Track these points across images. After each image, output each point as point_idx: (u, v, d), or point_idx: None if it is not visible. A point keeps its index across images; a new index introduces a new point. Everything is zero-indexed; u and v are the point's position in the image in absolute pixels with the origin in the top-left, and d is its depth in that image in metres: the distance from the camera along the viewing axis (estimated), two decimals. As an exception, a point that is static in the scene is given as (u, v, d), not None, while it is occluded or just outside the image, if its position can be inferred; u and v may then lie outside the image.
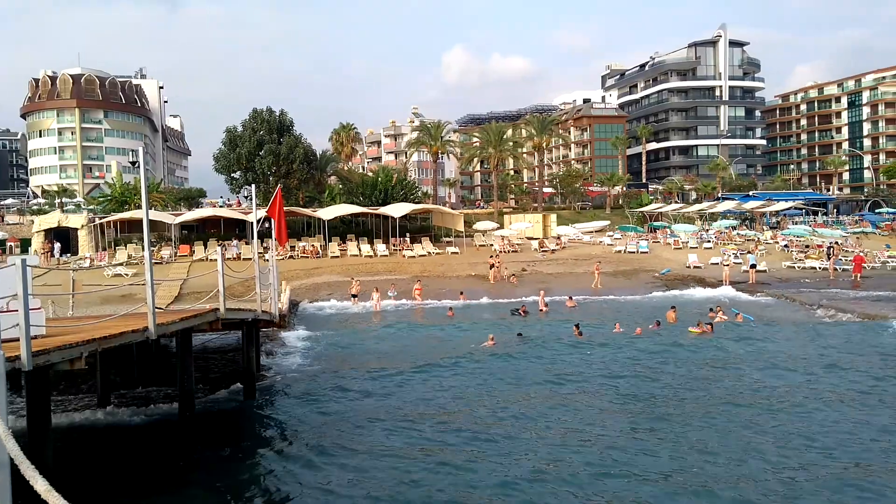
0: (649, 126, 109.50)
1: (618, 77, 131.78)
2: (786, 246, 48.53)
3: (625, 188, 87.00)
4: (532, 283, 37.35)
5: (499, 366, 19.38)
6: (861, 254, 42.29)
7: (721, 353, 20.82)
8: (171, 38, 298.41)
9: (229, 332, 19.99)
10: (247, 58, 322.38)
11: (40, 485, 4.12)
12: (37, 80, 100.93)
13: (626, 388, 16.75)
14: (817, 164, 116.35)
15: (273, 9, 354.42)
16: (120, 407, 15.84)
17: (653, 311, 28.05)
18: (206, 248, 44.79)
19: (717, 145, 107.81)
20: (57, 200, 68.50)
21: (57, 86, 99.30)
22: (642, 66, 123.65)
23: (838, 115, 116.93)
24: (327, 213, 48.02)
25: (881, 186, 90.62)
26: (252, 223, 21.04)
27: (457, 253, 47.23)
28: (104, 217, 48.40)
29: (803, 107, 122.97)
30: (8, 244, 47.20)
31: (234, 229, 49.50)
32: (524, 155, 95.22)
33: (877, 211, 68.04)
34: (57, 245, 44.89)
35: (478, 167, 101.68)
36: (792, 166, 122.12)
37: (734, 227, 58.41)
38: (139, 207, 42.59)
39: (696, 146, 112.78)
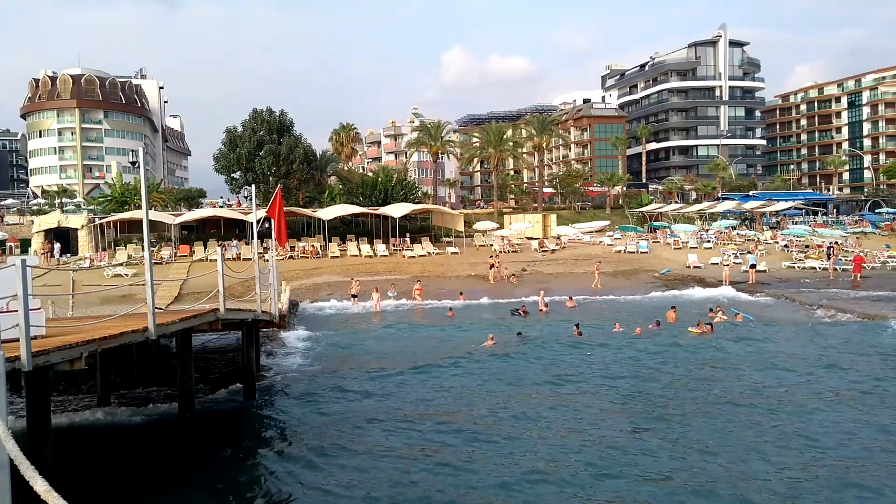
0: (649, 126, 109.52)
1: (618, 77, 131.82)
2: (786, 246, 48.53)
3: (625, 188, 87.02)
4: (532, 284, 37.35)
5: (499, 366, 19.38)
6: (861, 254, 42.29)
7: (721, 353, 20.82)
8: (171, 38, 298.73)
9: (229, 332, 20.02)
10: (247, 58, 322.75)
11: (40, 485, 4.12)
12: (37, 81, 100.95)
13: (626, 388, 16.75)
14: (817, 164, 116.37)
15: (273, 9, 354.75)
16: (120, 407, 15.84)
17: (653, 312, 28.05)
18: (205, 248, 44.80)
19: (717, 145, 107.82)
20: (57, 201, 68.51)
21: (57, 86, 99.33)
22: (642, 66, 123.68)
23: (838, 115, 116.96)
24: (327, 213, 48.03)
25: (881, 186, 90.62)
26: (252, 223, 21.04)
27: (457, 253, 47.23)
28: (104, 217, 48.40)
29: (803, 107, 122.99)
30: (8, 244, 47.20)
31: (234, 229, 49.50)
32: (524, 155, 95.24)
33: (877, 211, 68.04)
34: (57, 245, 44.89)
35: (478, 167, 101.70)
36: (792, 166, 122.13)
37: (734, 227, 58.42)
38: (139, 208, 42.57)
39: (696, 146, 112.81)
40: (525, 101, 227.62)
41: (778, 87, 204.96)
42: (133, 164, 79.98)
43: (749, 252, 43.56)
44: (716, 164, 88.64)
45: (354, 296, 33.48)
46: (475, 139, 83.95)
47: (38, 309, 9.85)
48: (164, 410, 15.46)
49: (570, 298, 32.32)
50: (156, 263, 33.46)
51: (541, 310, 29.88)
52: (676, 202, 78.76)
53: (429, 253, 47.03)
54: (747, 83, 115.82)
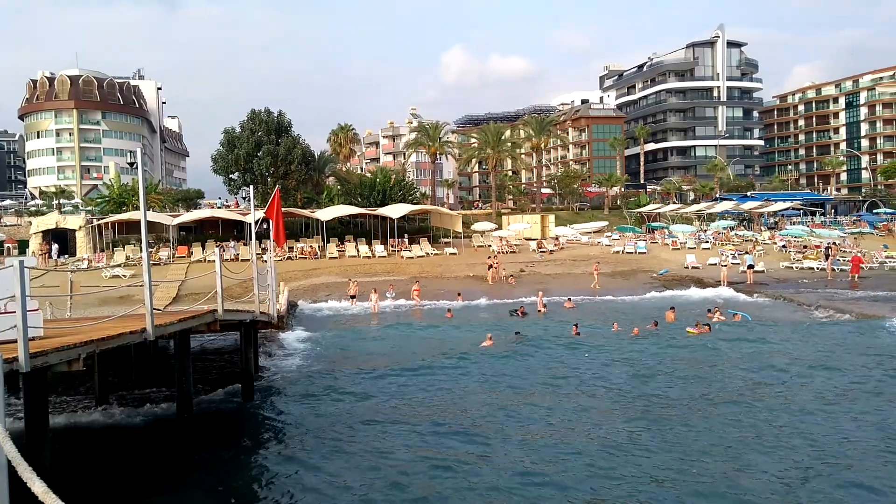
0: (647, 127, 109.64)
1: (616, 78, 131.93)
2: (783, 246, 48.57)
3: (623, 189, 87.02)
4: (530, 284, 37.37)
5: (497, 366, 19.39)
6: (859, 254, 42.35)
7: (718, 353, 20.84)
8: (171, 38, 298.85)
9: (227, 333, 20.02)
10: (247, 58, 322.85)
11: (38, 486, 4.12)
12: (35, 82, 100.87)
13: (624, 388, 16.77)
14: (815, 165, 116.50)
15: (273, 9, 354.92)
16: (118, 408, 15.83)
17: (651, 312, 28.08)
18: (204, 249, 44.77)
19: (715, 146, 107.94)
20: (55, 202, 68.38)
21: (55, 87, 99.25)
22: (640, 66, 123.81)
23: (836, 115, 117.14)
24: (325, 213, 48.01)
25: (879, 187, 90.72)
26: (250, 224, 21.04)
27: (455, 254, 47.24)
28: (102, 218, 48.36)
29: (801, 107, 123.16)
30: (6, 245, 47.12)
31: (233, 230, 49.47)
32: (522, 156, 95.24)
33: (874, 211, 68.09)
34: (55, 246, 44.82)
35: (476, 168, 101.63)
36: (790, 167, 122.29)
37: (732, 228, 58.46)
38: (137, 208, 42.57)
39: (694, 147, 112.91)
40: (524, 102, 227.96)
41: (776, 87, 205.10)
42: (131, 164, 79.98)
43: (747, 252, 43.59)
44: (714, 165, 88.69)
45: (353, 296, 33.49)
46: (473, 140, 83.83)
47: (36, 310, 9.84)
48: (163, 411, 15.46)
49: (569, 299, 32.33)
50: (154, 264, 33.44)
51: (539, 310, 29.90)
52: (674, 203, 78.78)
53: (427, 254, 47.03)
54: (745, 84, 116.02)
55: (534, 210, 69.90)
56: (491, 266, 39.85)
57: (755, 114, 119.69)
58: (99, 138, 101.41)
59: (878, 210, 67.66)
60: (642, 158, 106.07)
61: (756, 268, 39.41)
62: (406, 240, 49.28)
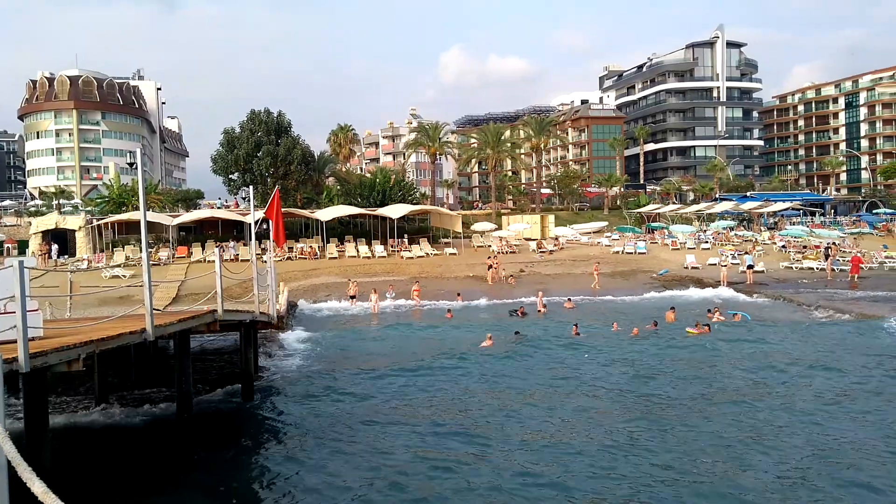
0: (647, 127, 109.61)
1: (615, 78, 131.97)
2: (783, 246, 48.57)
3: (622, 189, 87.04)
4: (530, 284, 37.37)
5: (497, 366, 19.40)
6: (859, 254, 42.37)
7: (718, 353, 20.85)
8: (171, 38, 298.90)
9: (227, 333, 20.01)
10: (246, 58, 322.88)
11: (37, 487, 4.12)
12: (34, 82, 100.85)
13: (624, 388, 16.77)
14: (815, 165, 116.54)
15: (273, 9, 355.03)
16: (118, 408, 15.83)
17: (651, 312, 28.08)
18: (203, 249, 44.76)
19: (715, 146, 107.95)
20: (54, 202, 68.38)
21: (54, 87, 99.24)
22: (640, 67, 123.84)
23: (835, 115, 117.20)
24: (325, 214, 48.00)
25: (878, 187, 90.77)
26: (250, 224, 21.05)
27: (455, 254, 47.24)
28: (102, 218, 48.33)
29: (801, 107, 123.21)
30: (5, 246, 47.11)
31: (232, 231, 49.46)
32: (522, 156, 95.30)
33: (874, 211, 68.09)
34: (54, 246, 44.81)
35: (476, 168, 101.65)
36: (789, 167, 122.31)
37: (732, 228, 58.46)
38: (137, 209, 42.57)
39: (694, 147, 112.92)
40: (523, 102, 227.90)
41: (776, 87, 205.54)
42: (131, 165, 79.84)
43: (746, 253, 43.59)
44: (713, 165, 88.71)
45: (353, 297, 33.49)
46: (473, 140, 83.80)
47: (36, 310, 9.84)
48: (162, 411, 15.46)
49: (569, 300, 32.33)
50: (153, 265, 33.41)
51: (539, 311, 29.90)
52: (674, 203, 78.78)
53: (427, 254, 47.03)
54: (745, 84, 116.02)
55: (533, 210, 69.90)
56: (491, 266, 39.84)
57: (755, 114, 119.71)
58: (98, 138, 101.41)
59: (878, 210, 67.65)
60: (642, 159, 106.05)
61: (756, 268, 39.41)
62: (406, 240, 49.27)
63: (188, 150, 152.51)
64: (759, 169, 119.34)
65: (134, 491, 11.11)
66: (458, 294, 34.05)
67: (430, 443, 12.94)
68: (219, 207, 64.12)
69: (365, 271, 41.16)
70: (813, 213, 68.50)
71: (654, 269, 42.39)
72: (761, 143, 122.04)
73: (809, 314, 28.54)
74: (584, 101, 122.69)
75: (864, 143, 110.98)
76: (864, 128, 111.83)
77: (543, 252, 48.41)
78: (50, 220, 48.86)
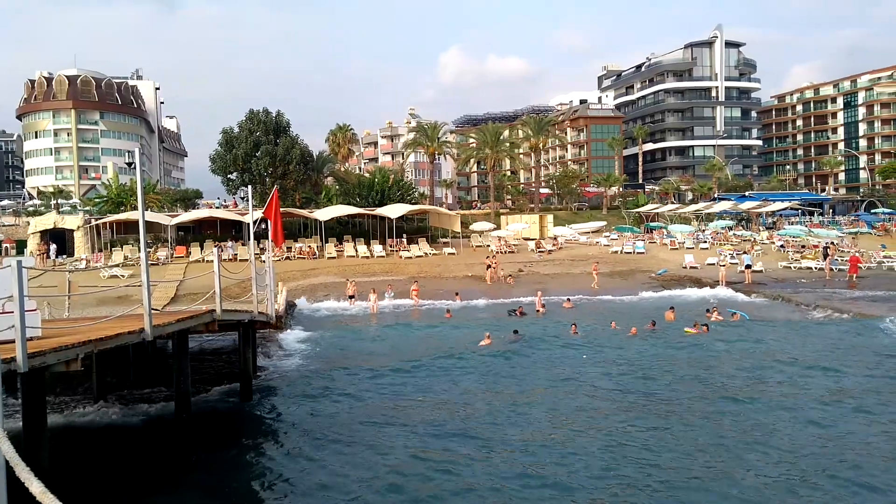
0: (646, 127, 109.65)
1: (614, 78, 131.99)
2: (782, 246, 48.61)
3: (621, 189, 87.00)
4: (529, 284, 37.38)
5: (496, 365, 19.41)
6: (857, 254, 42.41)
7: (716, 352, 20.87)
8: (171, 38, 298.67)
9: (226, 333, 20.00)
10: (246, 58, 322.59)
11: (35, 487, 4.12)
12: (33, 82, 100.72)
13: (623, 387, 16.78)
14: (813, 165, 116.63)
15: (273, 9, 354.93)
16: (116, 408, 15.81)
17: (649, 312, 28.08)
18: (202, 249, 44.73)
19: (714, 146, 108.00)
20: (53, 202, 68.33)
21: (53, 87, 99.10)
22: (638, 66, 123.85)
23: (834, 115, 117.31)
24: (324, 214, 48.00)
25: (877, 187, 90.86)
26: (248, 224, 21.03)
27: (453, 254, 47.25)
28: (100, 218, 48.30)
29: (799, 107, 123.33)
30: (4, 245, 47.07)
31: (231, 230, 49.44)
32: (521, 156, 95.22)
33: (872, 211, 68.18)
34: (53, 246, 44.77)
35: (474, 168, 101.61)
36: (788, 167, 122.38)
37: (730, 228, 58.52)
38: (135, 209, 42.52)
39: (693, 147, 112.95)
40: (522, 102, 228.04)
41: (774, 87, 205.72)
42: (129, 164, 79.88)
43: (745, 252, 43.63)
44: (712, 165, 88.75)
45: (351, 296, 33.49)
46: (472, 140, 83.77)
47: (34, 310, 9.83)
48: (161, 411, 15.44)
49: (568, 299, 32.34)
50: (152, 264, 33.42)
51: (538, 310, 29.89)
52: (673, 203, 78.81)
53: (425, 254, 47.03)
54: (743, 84, 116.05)
55: (532, 210, 69.90)
56: (489, 266, 39.85)
57: (753, 114, 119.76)
58: (97, 138, 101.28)
59: (876, 210, 67.74)
60: (640, 158, 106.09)
61: (754, 268, 39.44)
62: (404, 240, 49.28)
63: (187, 149, 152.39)
64: (758, 169, 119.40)
65: (132, 491, 11.11)
66: (457, 294, 34.05)
67: (428, 442, 12.94)
68: (217, 207, 64.09)
69: (363, 271, 41.16)
70: (811, 213, 68.59)
71: (653, 268, 42.41)
72: (760, 142, 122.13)
73: (808, 314, 28.56)
74: (582, 101, 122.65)
75: (863, 143, 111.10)
76: (862, 128, 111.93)
77: (542, 252, 48.42)
78: (48, 220, 48.81)
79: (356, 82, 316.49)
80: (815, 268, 41.84)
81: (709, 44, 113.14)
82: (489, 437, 13.14)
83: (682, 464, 11.56)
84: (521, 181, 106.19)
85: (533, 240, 52.82)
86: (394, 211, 48.27)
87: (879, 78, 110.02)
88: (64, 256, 45.30)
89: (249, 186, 28.57)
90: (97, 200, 59.29)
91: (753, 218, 64.53)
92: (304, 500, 10.62)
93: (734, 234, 55.56)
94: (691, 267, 42.34)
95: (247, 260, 26.07)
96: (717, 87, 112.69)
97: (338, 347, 23.42)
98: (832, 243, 46.93)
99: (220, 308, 13.76)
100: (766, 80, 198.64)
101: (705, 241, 51.01)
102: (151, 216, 44.22)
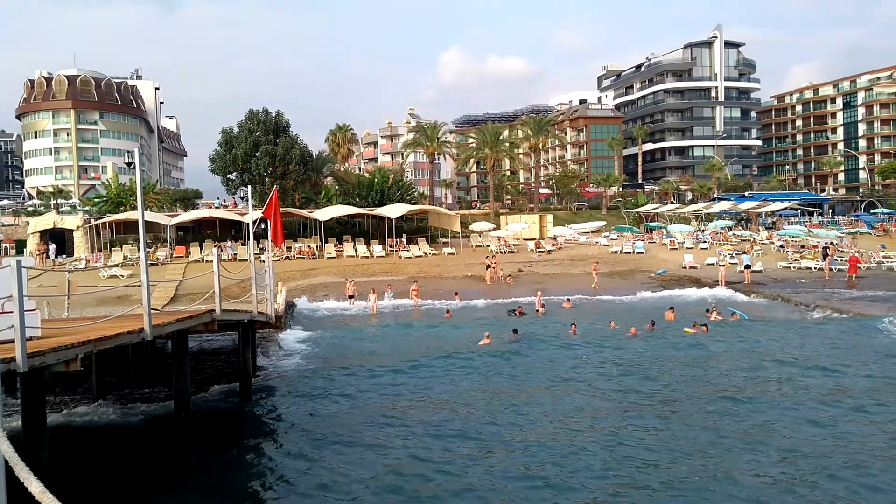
0: (645, 127, 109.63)
1: (614, 78, 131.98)
2: (781, 246, 48.62)
3: (621, 189, 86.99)
4: (528, 284, 37.38)
5: (495, 365, 19.41)
6: (856, 254, 42.42)
7: (716, 352, 20.87)
8: (171, 38, 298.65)
9: (225, 333, 20.00)
10: (246, 58, 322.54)
11: (35, 486, 4.12)
12: (32, 82, 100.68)
13: (622, 387, 16.79)
14: (813, 165, 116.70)
15: (273, 9, 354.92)
16: (115, 408, 15.81)
17: (649, 312, 28.09)
18: (202, 249, 44.73)
19: (713, 146, 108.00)
20: (52, 202, 68.32)
21: (52, 87, 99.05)
22: (638, 66, 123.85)
23: (833, 115, 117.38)
24: (323, 214, 47.99)
25: (876, 187, 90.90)
26: (248, 224, 21.04)
27: (453, 254, 47.25)
28: (100, 218, 48.30)
29: (799, 107, 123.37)
30: (3, 245, 47.06)
31: (231, 230, 49.44)
32: (520, 156, 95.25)
33: (872, 211, 68.20)
34: (52, 246, 44.76)
35: (474, 168, 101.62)
36: (787, 167, 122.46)
37: (730, 228, 58.53)
38: (135, 209, 42.55)
39: (692, 147, 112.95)
40: (522, 102, 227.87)
41: (774, 87, 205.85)
42: (129, 164, 79.48)
43: (744, 252, 43.64)
44: (711, 165, 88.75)
45: (351, 296, 33.50)
46: (472, 140, 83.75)
47: (34, 310, 9.83)
48: (160, 411, 15.44)
49: (568, 299, 32.35)
50: (152, 264, 33.43)
51: (537, 310, 29.89)
52: (672, 203, 78.83)
53: (425, 254, 47.03)
54: (743, 84, 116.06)
55: (532, 210, 69.90)
56: (489, 266, 39.85)
57: (753, 114, 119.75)
58: (96, 138, 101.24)
59: (876, 210, 67.75)
60: (640, 158, 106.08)
61: (754, 268, 39.45)
62: (404, 240, 49.27)
63: (186, 149, 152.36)
64: (758, 169, 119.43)
65: (132, 490, 11.10)
66: (457, 294, 34.05)
67: (428, 442, 12.94)
68: (217, 207, 64.09)
69: (363, 271, 41.16)
70: (811, 213, 68.61)
71: (653, 268, 42.42)
72: (759, 142, 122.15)
73: (807, 314, 28.57)
74: (582, 101, 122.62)
75: (862, 143, 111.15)
76: (861, 128, 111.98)
77: (542, 252, 48.43)
78: (48, 220, 48.80)
79: (356, 82, 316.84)
80: (815, 268, 41.85)
81: (708, 44, 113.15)
82: (489, 437, 13.14)
83: (682, 464, 11.56)
84: (521, 181, 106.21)
85: (532, 240, 52.83)
86: (393, 211, 48.27)
87: (879, 78, 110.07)
88: (63, 256, 45.30)
89: (249, 186, 28.60)
90: (97, 200, 59.28)
91: (753, 218, 64.55)
92: (304, 500, 10.62)
93: (734, 235, 55.57)
94: (691, 267, 42.34)
95: (246, 260, 26.08)
96: (716, 88, 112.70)
97: (337, 347, 23.42)
98: (832, 243, 46.93)
99: (219, 308, 13.76)
100: (765, 80, 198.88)
101: (705, 242, 51.01)
102: (151, 216, 44.22)
